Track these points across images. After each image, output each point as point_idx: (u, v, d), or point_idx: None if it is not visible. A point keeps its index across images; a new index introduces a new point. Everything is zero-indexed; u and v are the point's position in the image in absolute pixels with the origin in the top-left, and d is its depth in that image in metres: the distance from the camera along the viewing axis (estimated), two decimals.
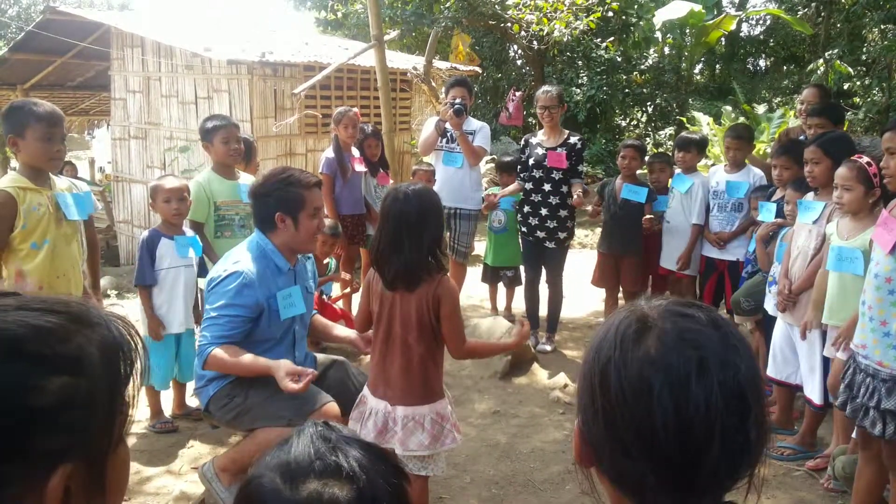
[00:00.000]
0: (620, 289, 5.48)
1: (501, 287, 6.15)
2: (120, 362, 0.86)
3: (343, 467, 0.85)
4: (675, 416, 0.84)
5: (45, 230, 3.11)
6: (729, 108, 12.22)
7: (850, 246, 3.18)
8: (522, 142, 5.53)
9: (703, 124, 11.26)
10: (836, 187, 3.24)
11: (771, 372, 3.93)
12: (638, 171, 5.42)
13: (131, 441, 3.83)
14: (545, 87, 5.39)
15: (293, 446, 0.89)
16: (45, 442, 0.77)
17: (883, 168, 2.81)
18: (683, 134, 5.98)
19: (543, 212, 5.21)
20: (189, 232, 4.07)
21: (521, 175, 5.35)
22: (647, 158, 5.41)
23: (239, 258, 3.03)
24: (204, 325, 2.99)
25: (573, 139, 5.23)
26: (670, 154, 5.54)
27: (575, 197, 5.11)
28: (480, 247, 7.28)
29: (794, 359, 3.82)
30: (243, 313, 2.94)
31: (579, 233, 9.76)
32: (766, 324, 4.14)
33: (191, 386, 4.22)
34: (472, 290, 6.55)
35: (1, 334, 0.78)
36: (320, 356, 3.55)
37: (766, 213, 4.34)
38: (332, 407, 2.97)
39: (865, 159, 3.18)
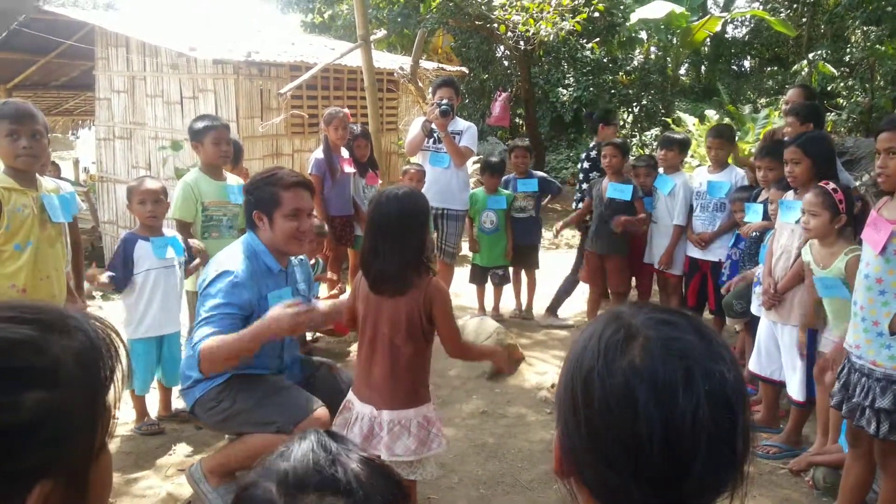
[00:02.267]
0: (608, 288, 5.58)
1: (488, 287, 6.18)
2: (99, 369, 0.83)
3: (341, 481, 0.82)
4: (661, 428, 0.83)
5: (28, 232, 3.08)
6: (713, 111, 12.29)
7: (829, 276, 3.26)
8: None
9: (689, 125, 11.33)
10: (803, 212, 3.32)
11: (755, 368, 3.97)
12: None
13: (117, 443, 3.81)
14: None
15: (293, 455, 0.85)
16: (21, 460, 0.75)
17: (880, 168, 2.82)
18: (666, 133, 6.06)
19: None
20: (168, 232, 4.02)
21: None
22: (631, 162, 5.49)
23: (230, 258, 3.00)
24: (196, 327, 2.91)
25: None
26: (654, 156, 5.62)
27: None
28: (467, 247, 7.29)
29: (779, 356, 3.86)
30: (236, 311, 2.88)
31: (567, 233, 9.78)
32: (754, 325, 4.16)
33: (177, 388, 4.20)
34: (460, 290, 6.55)
35: None
36: (306, 358, 3.54)
37: (753, 215, 4.37)
38: (323, 412, 2.95)
39: (832, 185, 3.25)
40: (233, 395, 2.96)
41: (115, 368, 0.86)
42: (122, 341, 0.89)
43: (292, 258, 3.22)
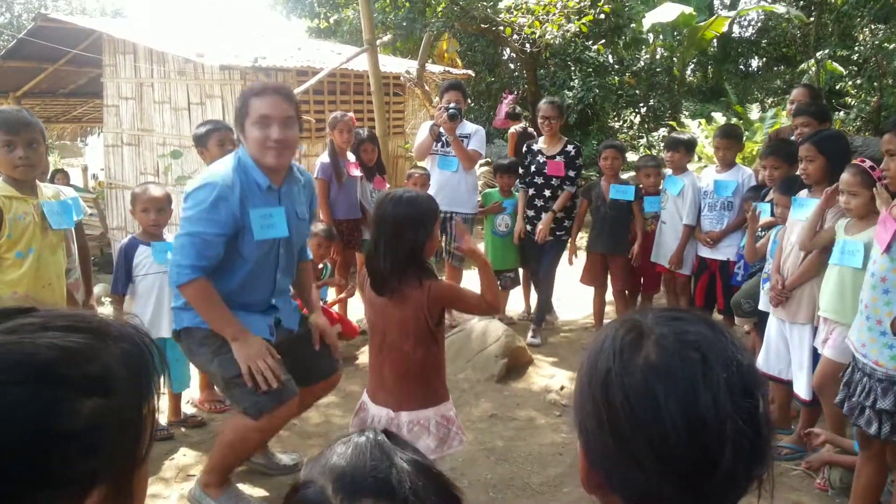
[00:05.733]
0: (610, 288, 5.61)
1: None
2: (143, 375, 0.84)
3: (396, 488, 0.81)
4: (684, 421, 0.82)
5: (30, 239, 3.07)
6: (719, 113, 12.25)
7: (854, 239, 3.20)
8: (524, 148, 5.67)
9: (694, 127, 11.31)
10: (841, 192, 3.25)
11: (763, 367, 3.93)
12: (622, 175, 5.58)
13: None
14: (548, 98, 5.74)
15: (349, 454, 0.85)
16: (79, 466, 0.76)
17: (883, 170, 2.81)
18: (672, 134, 6.05)
19: (544, 216, 5.48)
20: (169, 238, 4.02)
21: (526, 180, 5.59)
22: (639, 162, 5.51)
23: (217, 169, 2.93)
24: (178, 244, 2.84)
25: (570, 147, 5.53)
26: (660, 157, 5.62)
27: (539, 232, 5.46)
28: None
29: (788, 354, 3.83)
30: (220, 230, 2.82)
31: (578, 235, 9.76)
32: (763, 325, 4.14)
33: (185, 393, 4.21)
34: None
35: (32, 359, 0.76)
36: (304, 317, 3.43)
37: (761, 214, 4.35)
38: (291, 405, 2.99)
39: (869, 163, 3.19)
40: (212, 354, 2.94)
41: (155, 374, 0.87)
42: (157, 347, 0.89)
43: (296, 177, 3.13)
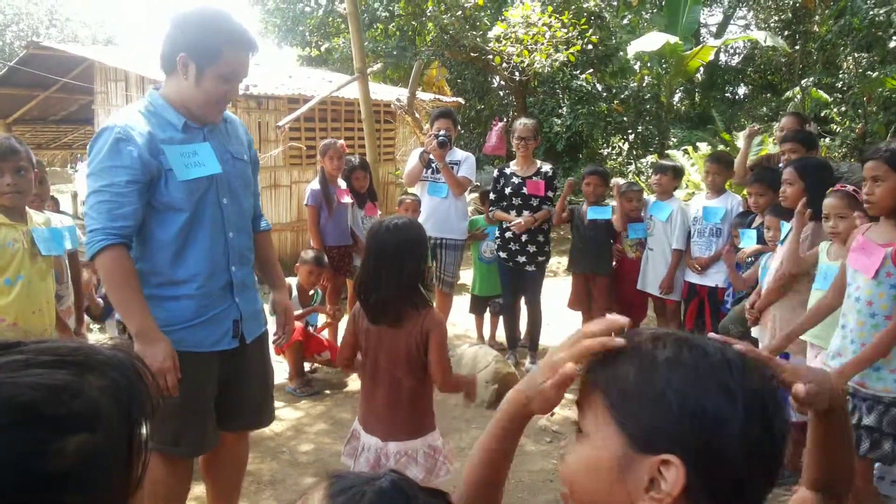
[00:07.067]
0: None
1: (487, 317, 6.17)
2: (133, 404, 0.83)
3: None
4: (780, 436, 0.88)
5: (18, 266, 3.06)
6: (705, 143, 12.37)
7: (836, 264, 3.23)
8: (496, 172, 5.67)
9: (680, 156, 11.44)
10: (826, 217, 3.27)
11: None
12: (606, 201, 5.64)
13: None
14: (523, 120, 5.68)
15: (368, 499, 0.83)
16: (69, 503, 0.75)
17: (867, 195, 2.84)
18: (660, 160, 6.12)
19: (524, 237, 5.42)
20: None
21: (501, 204, 5.53)
22: (621, 189, 5.51)
23: (118, 112, 2.55)
24: (88, 204, 2.40)
25: (545, 168, 5.51)
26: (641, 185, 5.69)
27: (522, 220, 5.32)
28: (465, 276, 7.29)
29: None
30: (128, 176, 2.35)
31: (558, 259, 9.80)
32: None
33: None
34: (458, 319, 6.56)
35: (16, 401, 0.74)
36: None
37: (747, 240, 4.40)
38: (189, 464, 2.77)
39: (851, 187, 3.24)
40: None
41: (147, 402, 0.85)
42: (148, 371, 0.88)
43: (227, 117, 2.76)
